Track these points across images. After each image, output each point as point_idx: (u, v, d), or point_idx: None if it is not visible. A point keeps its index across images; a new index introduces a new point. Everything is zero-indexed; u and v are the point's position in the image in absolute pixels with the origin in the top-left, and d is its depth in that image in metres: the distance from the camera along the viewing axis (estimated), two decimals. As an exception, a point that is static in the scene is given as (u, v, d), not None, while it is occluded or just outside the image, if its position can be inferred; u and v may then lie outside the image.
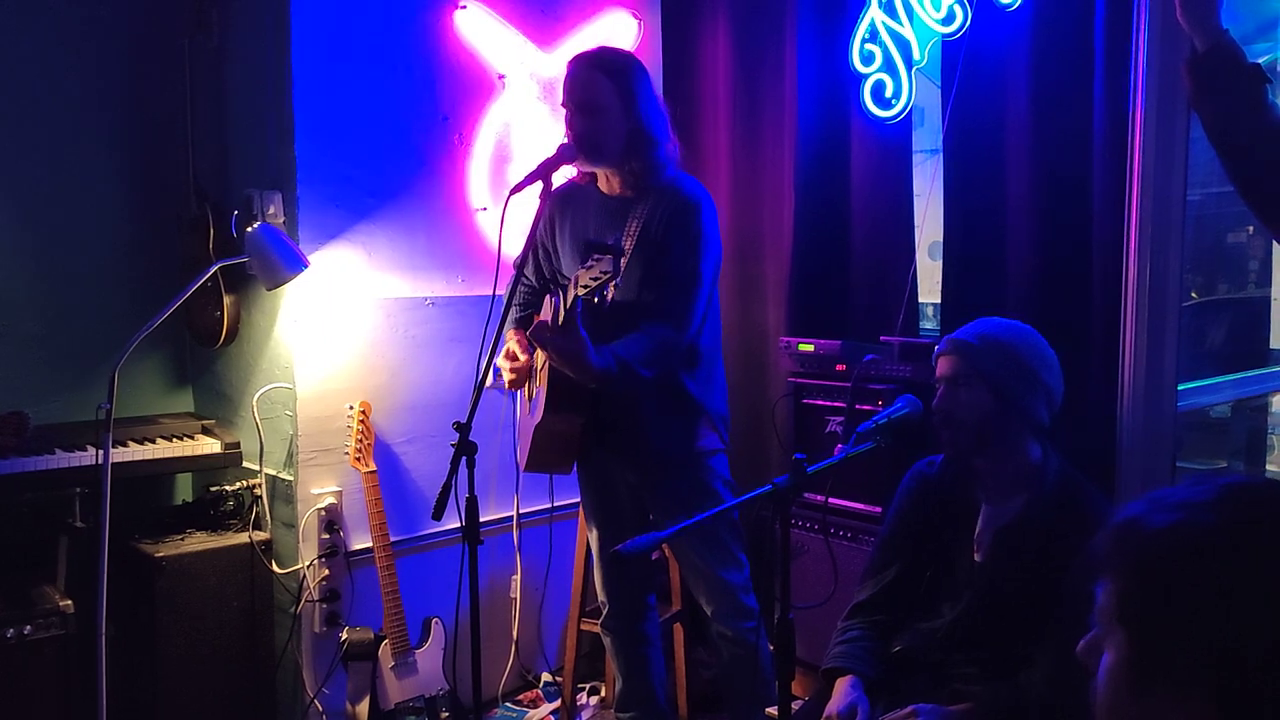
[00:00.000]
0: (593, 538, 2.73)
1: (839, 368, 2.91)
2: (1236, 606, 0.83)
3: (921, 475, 2.09)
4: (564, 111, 2.45)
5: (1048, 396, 1.93)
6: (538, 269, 2.67)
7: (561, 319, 2.21)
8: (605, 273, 2.04)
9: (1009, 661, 1.85)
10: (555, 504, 3.45)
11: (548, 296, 2.49)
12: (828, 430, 2.93)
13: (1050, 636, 1.79)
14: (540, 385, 2.50)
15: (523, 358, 2.55)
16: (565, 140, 2.42)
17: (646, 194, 2.44)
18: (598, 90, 2.41)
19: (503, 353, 2.58)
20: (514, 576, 3.42)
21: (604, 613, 2.75)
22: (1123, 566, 0.90)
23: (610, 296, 2.14)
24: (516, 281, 2.50)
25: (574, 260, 2.52)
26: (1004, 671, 1.85)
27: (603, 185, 2.52)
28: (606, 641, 2.79)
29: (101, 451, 2.43)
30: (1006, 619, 1.86)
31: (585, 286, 2.07)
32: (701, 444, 2.54)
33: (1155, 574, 0.88)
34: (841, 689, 1.89)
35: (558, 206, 2.58)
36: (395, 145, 3.05)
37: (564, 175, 2.52)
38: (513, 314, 2.66)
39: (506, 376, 2.58)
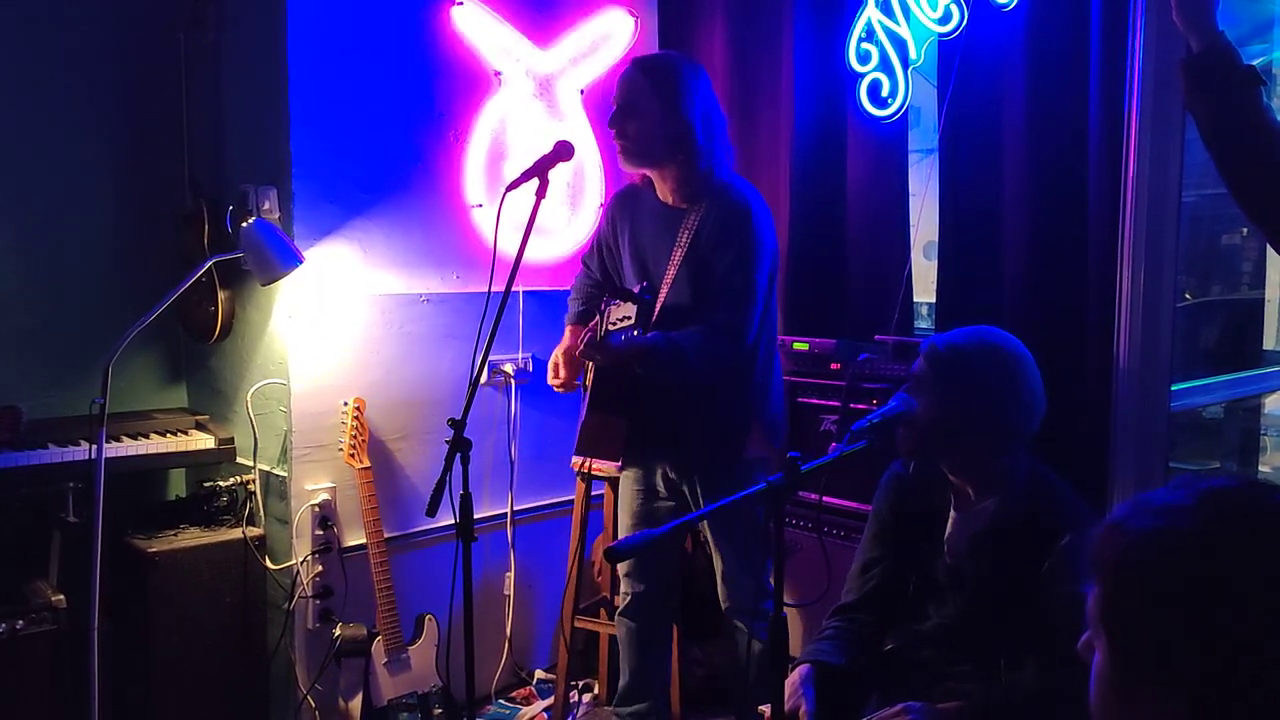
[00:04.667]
0: (624, 514, 2.75)
1: (833, 366, 2.91)
2: (1209, 615, 0.84)
3: (896, 475, 2.09)
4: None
5: (1005, 420, 1.88)
6: (602, 265, 2.75)
7: (598, 342, 2.35)
8: (627, 318, 2.10)
9: (998, 661, 1.85)
10: (549, 501, 3.45)
11: (603, 302, 2.55)
12: (822, 429, 2.94)
13: (1036, 637, 1.79)
14: (588, 383, 2.59)
15: (564, 372, 2.69)
16: (563, 139, 2.43)
17: (698, 202, 2.47)
18: (636, 90, 2.46)
19: (551, 358, 2.73)
20: (508, 573, 3.42)
21: (625, 601, 2.74)
22: (1104, 570, 0.92)
23: (638, 334, 2.22)
24: (582, 276, 2.59)
25: (632, 264, 2.60)
26: (995, 671, 1.85)
27: (659, 193, 2.57)
28: (621, 631, 2.78)
29: (95, 446, 2.43)
30: (991, 621, 1.86)
31: (614, 324, 2.14)
32: (748, 454, 2.56)
33: (1132, 580, 0.89)
34: (791, 684, 1.88)
35: (619, 209, 2.68)
36: (391, 141, 3.05)
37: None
38: (574, 308, 2.79)
39: (551, 381, 2.72)
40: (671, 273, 2.46)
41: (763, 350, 2.53)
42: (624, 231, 2.63)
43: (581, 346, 2.39)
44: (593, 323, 2.43)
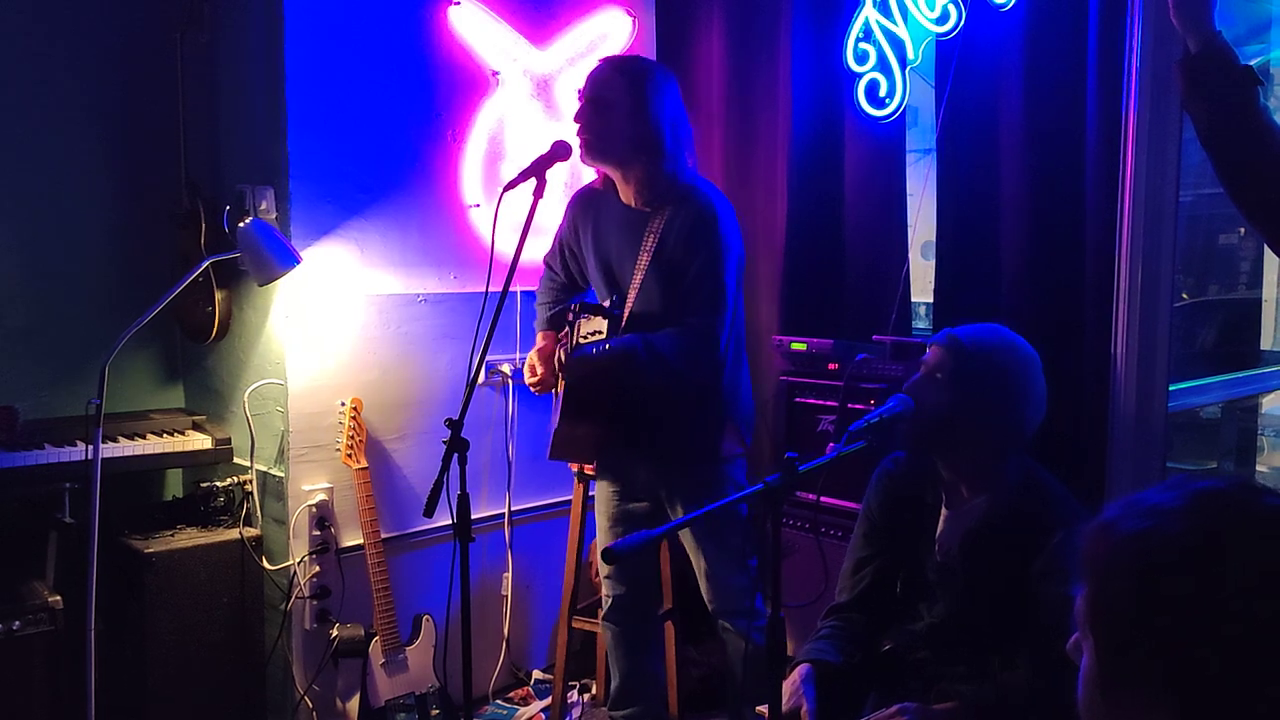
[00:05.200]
0: (602, 518, 2.74)
1: (831, 366, 2.91)
2: (1196, 617, 0.83)
3: (887, 474, 2.09)
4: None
5: (1015, 420, 1.90)
6: (565, 266, 2.74)
7: (573, 359, 2.31)
8: (598, 333, 2.10)
9: (992, 661, 1.85)
10: (547, 501, 3.45)
11: (570, 312, 2.53)
12: (820, 429, 2.93)
13: (1028, 635, 1.79)
14: (561, 392, 2.56)
15: (540, 370, 2.64)
16: (560, 139, 2.43)
17: (662, 205, 2.46)
18: (609, 86, 2.45)
19: (527, 361, 2.70)
20: (505, 574, 3.42)
21: (607, 605, 2.74)
22: (1092, 572, 0.91)
23: (609, 347, 2.20)
24: (546, 276, 2.56)
25: (597, 269, 2.58)
26: (989, 670, 1.85)
27: (622, 195, 2.55)
28: (607, 636, 2.78)
29: (91, 447, 2.43)
30: (983, 619, 1.87)
31: (584, 338, 2.13)
32: (723, 448, 2.57)
33: (1119, 582, 0.88)
34: (791, 683, 1.88)
35: (580, 210, 2.65)
36: (388, 141, 3.04)
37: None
38: (543, 312, 2.76)
39: (529, 381, 2.68)
40: (639, 277, 2.45)
41: (731, 351, 2.53)
42: (586, 233, 2.60)
43: (561, 362, 2.38)
44: (562, 335, 2.41)
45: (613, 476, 2.70)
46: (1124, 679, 0.88)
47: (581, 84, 2.53)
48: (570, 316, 2.52)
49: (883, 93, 2.97)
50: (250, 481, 2.99)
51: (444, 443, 2.09)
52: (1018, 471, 1.92)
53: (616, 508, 2.70)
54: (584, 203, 2.63)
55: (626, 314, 2.45)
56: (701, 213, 2.43)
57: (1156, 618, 0.85)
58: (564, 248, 2.71)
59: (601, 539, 2.76)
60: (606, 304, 2.15)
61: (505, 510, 3.39)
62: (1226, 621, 0.82)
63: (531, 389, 2.69)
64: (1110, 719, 0.90)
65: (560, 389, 2.56)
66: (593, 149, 2.46)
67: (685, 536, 2.65)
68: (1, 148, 2.93)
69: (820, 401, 2.95)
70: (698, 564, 2.64)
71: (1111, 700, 0.89)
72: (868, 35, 2.99)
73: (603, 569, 2.77)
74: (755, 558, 2.63)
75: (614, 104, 2.43)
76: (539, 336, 2.73)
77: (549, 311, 2.74)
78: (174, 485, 3.26)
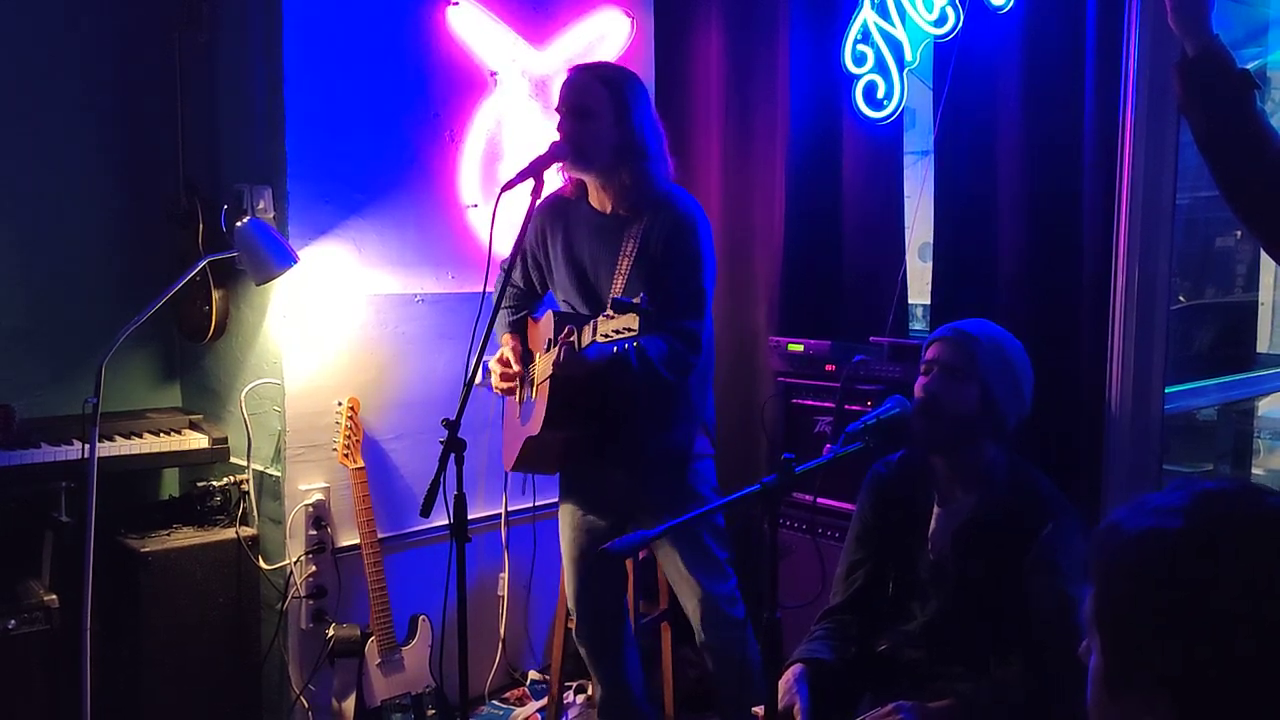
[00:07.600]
0: (566, 544, 2.69)
1: (828, 368, 2.91)
2: (1194, 613, 0.83)
3: (878, 476, 2.10)
4: (558, 116, 2.46)
5: (1021, 410, 1.96)
6: (525, 274, 2.69)
7: (577, 352, 2.23)
8: (629, 329, 2.04)
9: (987, 659, 1.86)
10: (544, 502, 3.45)
11: (549, 314, 2.48)
12: (816, 430, 2.94)
13: (1023, 631, 1.80)
14: (538, 398, 2.49)
15: (516, 366, 2.57)
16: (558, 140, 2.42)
17: (640, 211, 2.45)
18: (590, 95, 2.43)
19: (496, 356, 2.61)
20: (501, 574, 3.42)
21: (575, 623, 2.72)
22: (1098, 571, 0.91)
23: (636, 345, 2.16)
24: (504, 284, 2.53)
25: (569, 275, 2.54)
26: (984, 667, 1.86)
27: (594, 202, 2.53)
28: (581, 651, 2.77)
29: (88, 446, 2.42)
30: (976, 616, 1.87)
31: (605, 336, 2.09)
32: (695, 448, 2.56)
33: (1122, 579, 0.89)
34: (784, 683, 1.88)
35: (547, 218, 2.60)
36: (386, 141, 3.04)
37: (554, 180, 2.52)
38: (505, 316, 2.69)
39: (496, 381, 2.59)
40: (620, 283, 2.42)
41: (704, 353, 2.52)
42: (556, 241, 2.57)
43: (560, 360, 2.32)
44: (564, 335, 2.35)
45: (579, 498, 2.64)
46: (1126, 676, 0.88)
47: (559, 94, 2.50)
48: (569, 324, 2.44)
49: (880, 94, 2.97)
50: (247, 481, 2.99)
51: (441, 443, 2.09)
52: (1008, 468, 1.93)
53: (583, 519, 2.63)
54: (552, 211, 2.59)
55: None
56: (682, 218, 2.43)
57: (1155, 612, 0.85)
58: (526, 256, 2.66)
59: (568, 558, 2.69)
60: (636, 300, 2.08)
61: (502, 510, 3.39)
62: (1227, 622, 0.82)
63: (498, 385, 2.59)
64: (1116, 718, 0.90)
65: (540, 396, 2.50)
66: (579, 157, 2.43)
67: (662, 545, 2.59)
68: (1, 147, 2.92)
69: (817, 403, 2.95)
70: (672, 571, 2.60)
71: (1116, 699, 0.89)
72: (866, 37, 2.99)
73: (568, 586, 2.73)
74: (734, 572, 2.61)
75: (596, 113, 2.41)
76: (506, 338, 2.65)
77: (512, 316, 2.70)
78: (170, 485, 3.26)
